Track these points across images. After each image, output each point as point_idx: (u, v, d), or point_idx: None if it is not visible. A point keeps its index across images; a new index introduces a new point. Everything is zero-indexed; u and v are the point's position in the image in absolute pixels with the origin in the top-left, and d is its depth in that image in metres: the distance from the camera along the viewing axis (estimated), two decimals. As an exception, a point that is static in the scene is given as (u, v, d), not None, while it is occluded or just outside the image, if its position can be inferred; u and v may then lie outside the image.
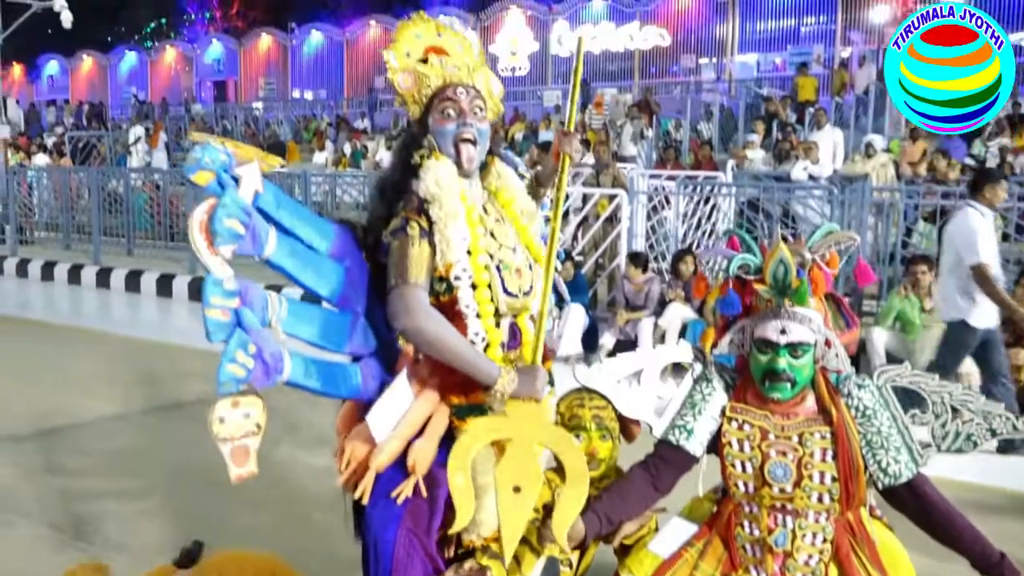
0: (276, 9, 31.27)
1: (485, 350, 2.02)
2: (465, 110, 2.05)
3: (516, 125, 17.65)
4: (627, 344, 7.02)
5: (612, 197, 7.88)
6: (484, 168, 2.16)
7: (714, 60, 24.14)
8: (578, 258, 7.80)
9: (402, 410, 1.96)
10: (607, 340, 7.05)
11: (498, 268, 2.04)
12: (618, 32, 24.56)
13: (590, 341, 7.10)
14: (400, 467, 1.95)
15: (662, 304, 7.05)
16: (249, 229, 1.77)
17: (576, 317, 2.61)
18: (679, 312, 6.89)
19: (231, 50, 30.46)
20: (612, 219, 7.88)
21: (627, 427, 2.32)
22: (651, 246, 8.37)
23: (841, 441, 2.03)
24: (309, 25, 28.88)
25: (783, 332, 2.05)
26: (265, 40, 29.97)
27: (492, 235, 2.08)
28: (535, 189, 2.33)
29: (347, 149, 16.93)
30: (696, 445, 2.13)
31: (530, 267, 2.12)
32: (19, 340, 7.83)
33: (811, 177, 9.52)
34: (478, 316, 2.02)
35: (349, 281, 2.03)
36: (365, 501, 1.96)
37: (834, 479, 2.04)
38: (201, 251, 1.71)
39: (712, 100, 17.54)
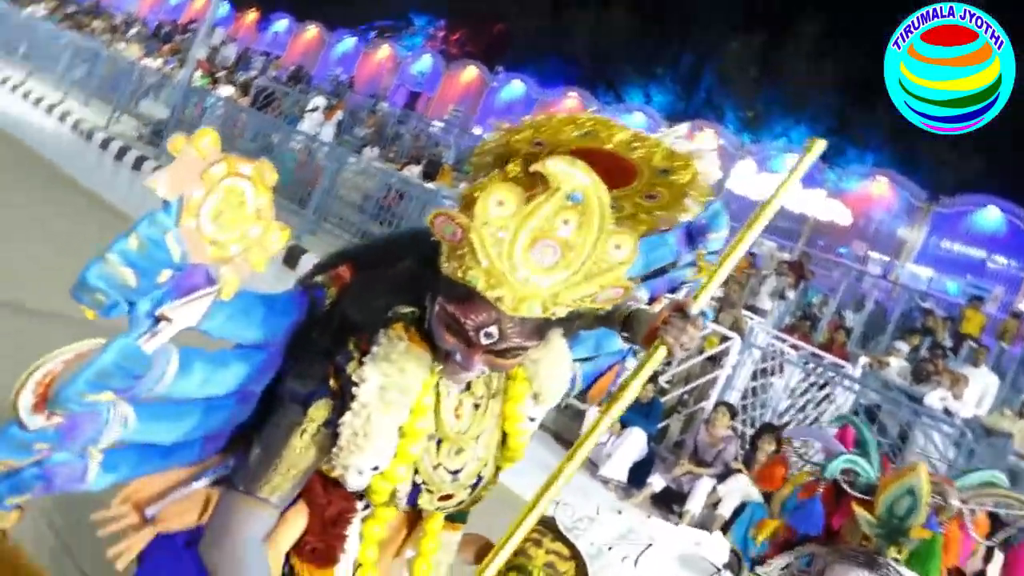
0: (490, 49, 32.30)
1: (366, 520, 1.48)
2: (474, 358, 1.29)
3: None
4: (675, 495, 6.26)
5: (725, 339, 7.20)
6: None
7: (886, 258, 22.94)
8: (664, 384, 7.12)
9: None
10: (656, 482, 6.30)
11: (417, 488, 1.43)
12: (802, 193, 23.81)
13: (638, 474, 6.37)
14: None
15: (728, 471, 6.25)
16: (127, 391, 1.13)
17: (635, 442, 2.04)
18: (743, 486, 6.07)
19: (437, 68, 31.61)
20: (715, 360, 7.19)
21: None
22: (744, 407, 7.57)
23: None
24: (513, 73, 29.61)
25: None
26: (471, 71, 30.94)
27: (437, 445, 1.42)
28: (609, 320, 1.55)
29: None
30: None
31: (473, 486, 1.49)
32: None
33: (946, 411, 8.47)
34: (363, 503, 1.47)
35: (262, 370, 1.37)
36: (119, 565, 1.37)
37: None
38: (22, 407, 1.08)
39: (869, 292, 16.49)
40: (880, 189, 23.51)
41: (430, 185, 13.22)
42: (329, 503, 1.43)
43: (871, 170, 24.02)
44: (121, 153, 12.96)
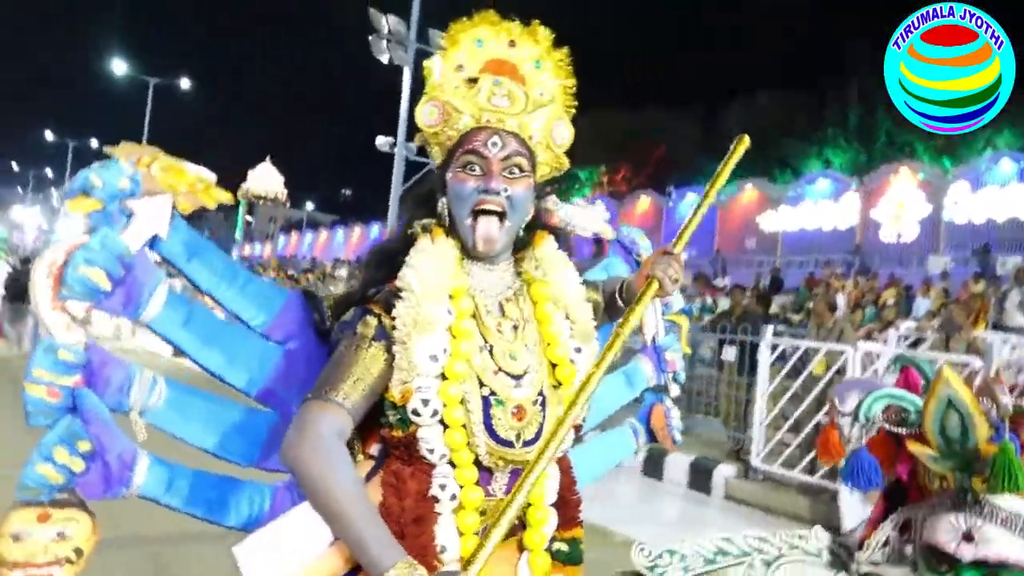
0: (657, 175, 32.87)
1: (457, 511, 1.48)
2: (493, 169, 1.53)
3: (888, 291, 15.84)
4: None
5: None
6: (524, 246, 1.65)
7: None
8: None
9: (296, 550, 1.38)
10: None
11: (487, 401, 1.47)
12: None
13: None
14: None
15: None
16: (122, 284, 1.40)
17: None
18: None
19: (612, 211, 32.50)
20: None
21: None
22: None
23: None
24: (686, 188, 29.76)
25: (968, 539, 1.20)
26: (644, 202, 31.53)
27: (491, 353, 1.51)
28: (611, 305, 1.75)
29: (697, 303, 16.57)
30: None
31: (541, 404, 1.53)
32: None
33: None
34: (451, 463, 1.48)
35: (286, 371, 1.59)
36: None
37: None
38: (40, 303, 1.33)
39: None
40: None
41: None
42: (403, 510, 1.45)
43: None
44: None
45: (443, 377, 1.46)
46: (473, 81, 1.59)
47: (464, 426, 1.46)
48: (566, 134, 1.64)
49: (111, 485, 1.39)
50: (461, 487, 1.48)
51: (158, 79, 30.88)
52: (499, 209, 1.53)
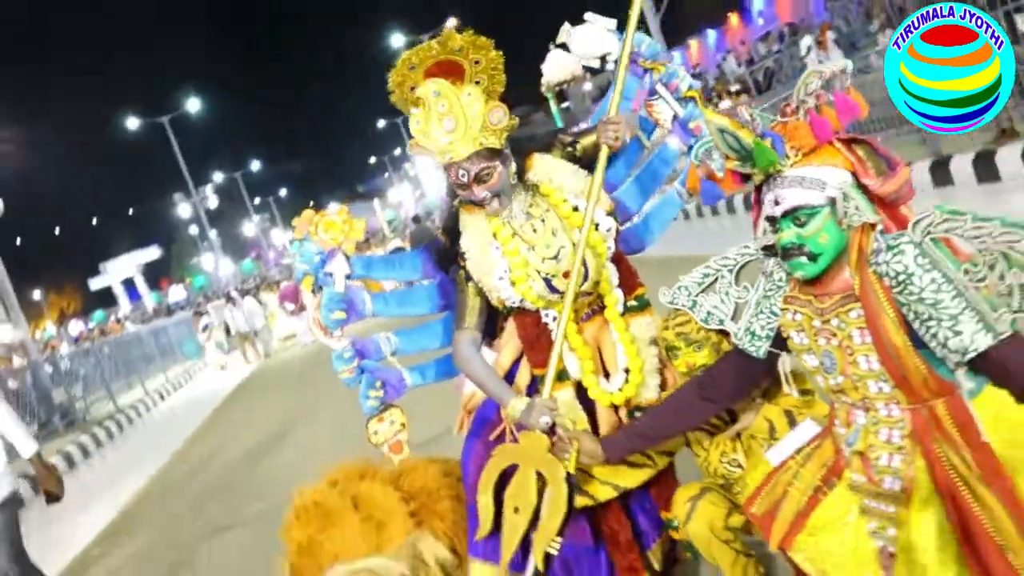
0: None
1: (558, 323, 2.24)
2: (472, 188, 2.14)
3: None
4: None
5: None
6: (523, 172, 2.26)
7: None
8: None
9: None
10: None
11: (547, 280, 2.22)
12: None
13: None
14: (486, 418, 2.47)
15: None
16: (349, 311, 2.50)
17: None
18: None
19: None
20: None
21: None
22: None
23: (869, 317, 1.67)
24: None
25: (776, 203, 1.73)
26: None
27: (533, 248, 2.22)
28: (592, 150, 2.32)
29: None
30: (756, 345, 1.92)
31: (584, 264, 2.21)
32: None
33: None
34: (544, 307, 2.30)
35: (444, 291, 2.56)
36: (458, 432, 2.57)
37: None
38: (321, 339, 2.53)
39: None
40: None
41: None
42: (529, 333, 2.32)
43: None
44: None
45: (513, 284, 2.24)
46: (420, 100, 2.11)
47: (539, 298, 2.25)
48: (501, 116, 2.12)
49: (398, 391, 2.60)
50: (556, 309, 2.27)
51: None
52: (487, 197, 2.18)
